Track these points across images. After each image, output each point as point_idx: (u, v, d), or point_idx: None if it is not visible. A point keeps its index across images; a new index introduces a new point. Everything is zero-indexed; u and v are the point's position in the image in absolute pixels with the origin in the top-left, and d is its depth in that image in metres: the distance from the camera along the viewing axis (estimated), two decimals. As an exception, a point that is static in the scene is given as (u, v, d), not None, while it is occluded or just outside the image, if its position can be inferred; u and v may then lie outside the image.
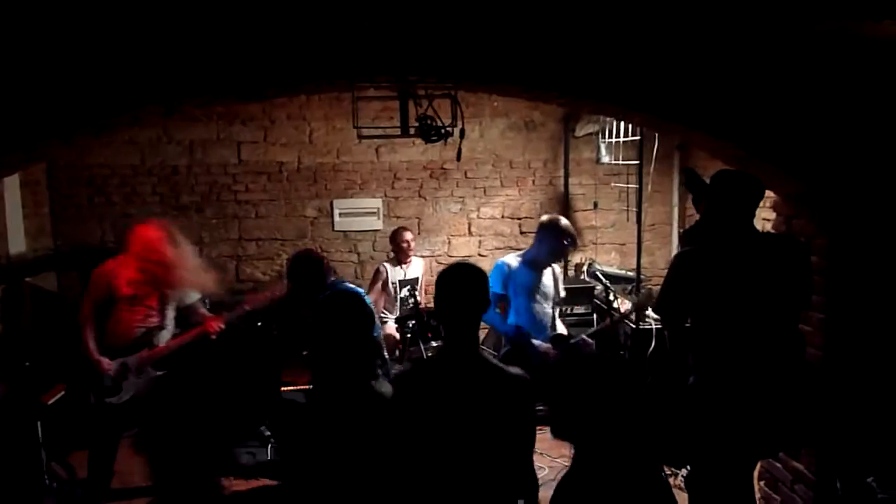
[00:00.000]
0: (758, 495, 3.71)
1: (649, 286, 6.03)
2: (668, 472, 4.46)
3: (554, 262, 4.37)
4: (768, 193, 3.30)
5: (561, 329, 4.51)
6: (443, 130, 3.11)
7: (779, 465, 3.55)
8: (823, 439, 3.13)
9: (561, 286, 4.50)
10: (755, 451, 2.99)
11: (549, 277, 4.34)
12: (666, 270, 3.11)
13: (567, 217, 6.51)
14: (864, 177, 3.10)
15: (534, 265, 4.26)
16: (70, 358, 3.89)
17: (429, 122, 3.06)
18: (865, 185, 3.10)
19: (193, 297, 4.18)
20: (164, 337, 4.01)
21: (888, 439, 3.02)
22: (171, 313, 4.05)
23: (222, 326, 4.13)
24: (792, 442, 3.08)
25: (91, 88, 2.67)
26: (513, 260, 4.31)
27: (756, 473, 3.70)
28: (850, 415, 3.14)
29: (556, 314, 4.52)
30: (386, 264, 5.70)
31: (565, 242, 4.18)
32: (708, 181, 3.04)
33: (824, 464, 3.22)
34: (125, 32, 2.62)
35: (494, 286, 4.24)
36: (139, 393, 3.92)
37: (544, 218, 4.35)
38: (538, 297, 4.28)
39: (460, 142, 3.34)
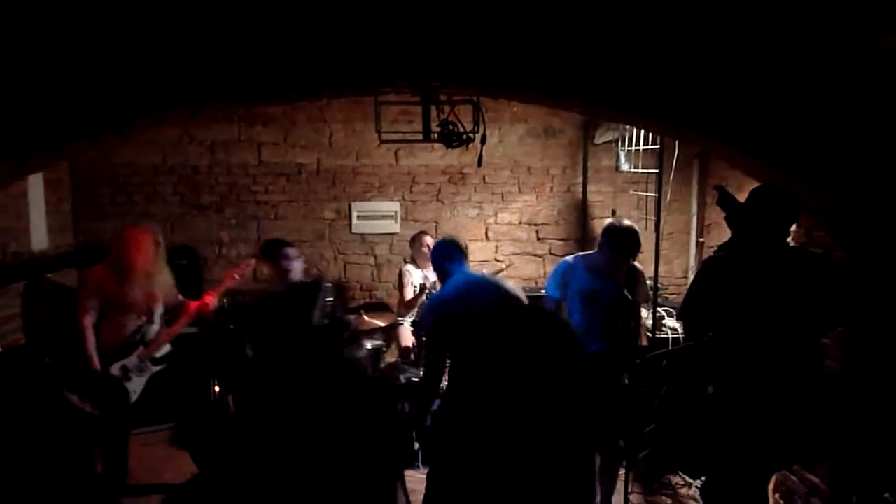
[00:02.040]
0: (772, 508, 3.69)
1: (666, 294, 6.02)
2: (683, 483, 4.45)
3: (614, 271, 3.88)
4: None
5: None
6: (464, 136, 3.13)
7: (794, 477, 3.52)
8: (840, 452, 3.11)
9: (641, 296, 4.07)
10: (771, 464, 2.97)
11: (613, 285, 3.87)
12: (683, 279, 3.10)
13: (584, 224, 6.58)
14: (885, 190, 3.07)
15: (593, 270, 3.93)
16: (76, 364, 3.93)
17: (451, 127, 3.08)
18: (886, 199, 3.08)
19: (177, 296, 4.27)
20: (154, 331, 4.08)
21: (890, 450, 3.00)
22: (159, 310, 4.12)
23: (215, 303, 4.22)
24: (808, 455, 3.06)
25: (117, 90, 2.71)
26: (574, 260, 4.04)
27: (771, 486, 3.68)
28: (867, 428, 3.11)
29: (631, 327, 4.07)
30: (409, 266, 5.71)
31: (615, 254, 3.81)
32: (739, 198, 2.99)
33: (840, 477, 3.19)
34: (151, 34, 2.66)
35: (548, 289, 4.06)
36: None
37: (607, 221, 4.01)
38: (592, 304, 3.90)
39: (481, 147, 3.36)
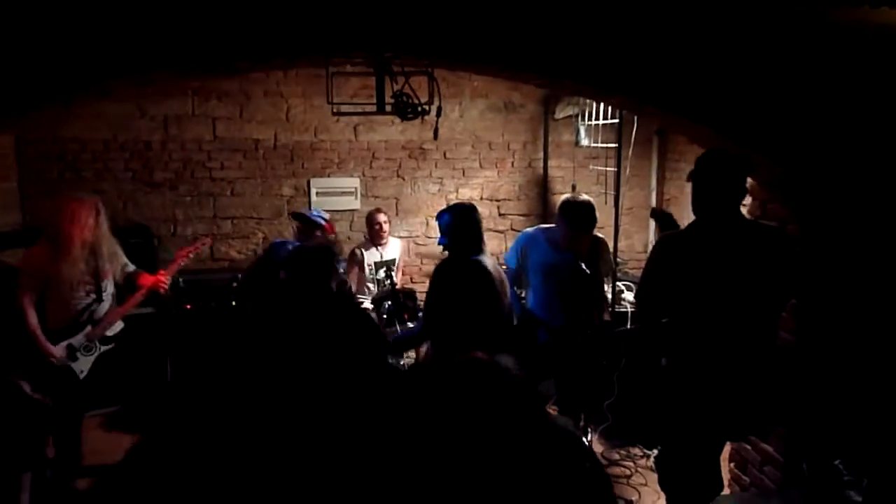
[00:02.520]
0: (727, 476, 3.76)
1: (626, 269, 6.07)
2: (642, 454, 4.52)
3: (571, 245, 3.87)
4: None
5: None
6: (419, 108, 3.07)
7: (748, 446, 3.59)
8: (793, 422, 3.17)
9: (603, 268, 4.07)
10: (723, 434, 3.01)
11: (571, 258, 3.85)
12: (643, 253, 3.10)
13: (545, 199, 6.59)
14: (838, 163, 3.11)
15: (553, 243, 3.95)
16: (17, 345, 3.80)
17: (405, 99, 3.02)
18: (839, 172, 3.12)
19: (129, 267, 4.13)
20: (104, 309, 3.95)
21: (855, 423, 3.06)
22: (109, 287, 3.98)
23: (168, 279, 4.13)
24: (760, 427, 3.11)
25: (56, 58, 2.59)
26: (535, 232, 4.04)
27: (727, 455, 3.75)
28: (818, 398, 3.18)
29: (594, 300, 4.07)
30: (360, 248, 5.65)
31: (570, 228, 3.82)
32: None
33: (793, 446, 3.26)
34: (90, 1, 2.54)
35: (507, 259, 4.13)
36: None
37: (563, 197, 4.01)
38: (554, 277, 3.93)
39: (437, 120, 3.30)
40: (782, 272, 2.86)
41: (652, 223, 6.51)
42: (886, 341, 3.11)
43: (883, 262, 3.14)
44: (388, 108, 3.07)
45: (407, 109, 3.01)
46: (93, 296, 3.89)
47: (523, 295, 4.29)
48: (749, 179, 3.45)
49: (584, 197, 3.94)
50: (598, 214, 3.91)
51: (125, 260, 4.12)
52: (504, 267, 4.15)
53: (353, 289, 5.51)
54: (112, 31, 2.59)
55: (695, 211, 2.89)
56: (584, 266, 3.84)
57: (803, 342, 3.26)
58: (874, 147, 3.09)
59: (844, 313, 3.19)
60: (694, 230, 2.87)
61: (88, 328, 3.87)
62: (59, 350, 3.76)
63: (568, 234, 3.87)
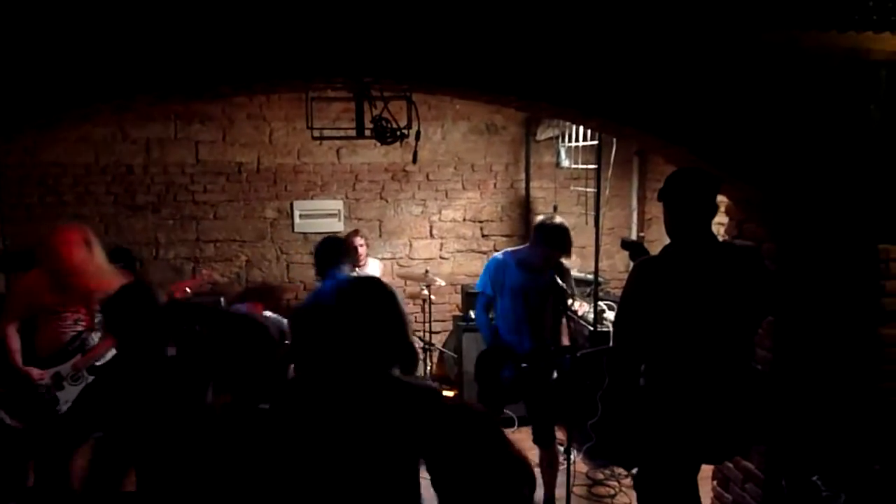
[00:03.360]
0: (710, 494, 3.77)
1: (608, 289, 6.11)
2: (626, 474, 4.52)
3: (546, 266, 3.93)
4: (721, 198, 3.34)
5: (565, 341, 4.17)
6: (398, 132, 3.10)
7: (730, 464, 3.61)
8: (771, 439, 3.19)
9: (569, 293, 4.13)
10: (700, 456, 3.01)
11: (544, 281, 3.93)
12: (624, 273, 3.11)
13: (527, 220, 6.63)
14: (812, 184, 3.17)
15: (524, 265, 3.97)
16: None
17: (384, 123, 3.05)
18: (813, 192, 3.18)
19: None
20: (95, 338, 3.88)
21: (833, 439, 3.09)
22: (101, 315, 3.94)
23: None
24: (737, 450, 3.12)
25: (37, 82, 2.60)
26: (504, 256, 4.07)
27: (711, 473, 3.77)
28: (796, 415, 3.21)
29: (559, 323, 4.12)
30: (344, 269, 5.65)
31: (548, 251, 3.87)
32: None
33: (773, 463, 3.28)
34: (70, 26, 2.56)
35: (481, 286, 4.09)
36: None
37: (539, 217, 4.08)
38: (523, 300, 3.96)
39: (416, 144, 3.33)
40: (758, 291, 2.89)
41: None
42: (859, 357, 3.16)
43: (855, 278, 3.20)
44: (368, 132, 3.10)
45: (386, 133, 3.04)
46: (84, 324, 3.85)
47: (491, 317, 4.30)
48: (725, 199, 3.53)
49: (559, 219, 3.99)
50: (578, 235, 3.96)
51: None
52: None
53: None
54: (94, 55, 2.60)
55: (668, 230, 2.91)
56: (562, 283, 3.88)
57: (780, 359, 3.29)
58: (845, 166, 3.16)
59: (819, 331, 3.24)
60: (669, 254, 2.89)
61: (78, 356, 3.83)
62: (38, 373, 3.71)
63: (546, 254, 3.90)
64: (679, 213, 2.84)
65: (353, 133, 3.13)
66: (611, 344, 4.71)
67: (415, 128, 3.14)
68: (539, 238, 3.91)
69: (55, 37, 2.56)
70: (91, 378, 3.84)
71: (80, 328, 3.83)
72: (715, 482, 3.78)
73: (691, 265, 2.80)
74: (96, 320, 3.87)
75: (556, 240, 3.86)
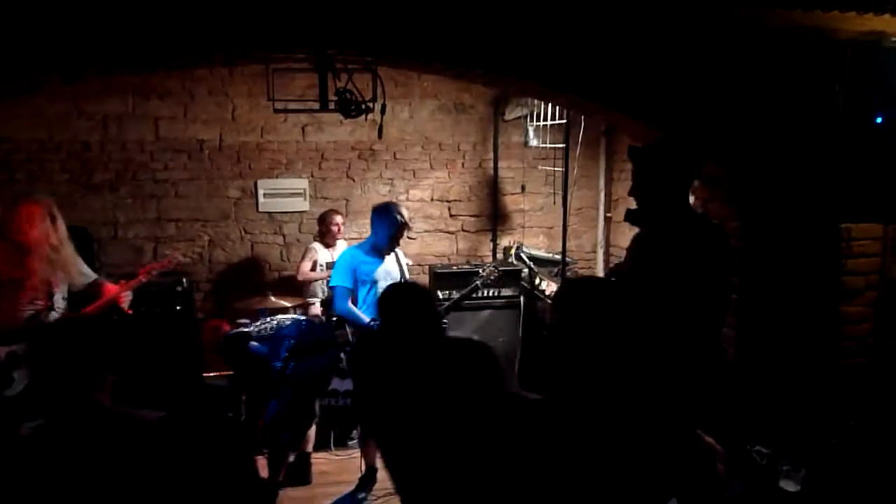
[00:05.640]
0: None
1: (576, 269, 6.12)
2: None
3: (395, 246, 4.27)
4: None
5: None
6: (363, 105, 3.02)
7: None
8: (733, 413, 3.22)
9: (406, 270, 4.50)
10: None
11: (394, 263, 4.31)
12: (591, 253, 3.08)
13: (495, 200, 6.61)
14: (777, 162, 3.18)
15: (377, 252, 4.23)
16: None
17: (348, 96, 2.97)
18: (778, 171, 3.19)
19: (89, 276, 3.97)
20: (54, 317, 3.75)
21: (794, 414, 3.13)
22: (59, 295, 3.81)
23: (128, 296, 3.97)
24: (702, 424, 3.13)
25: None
26: (355, 250, 4.30)
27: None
28: (758, 391, 3.24)
29: None
30: (317, 244, 5.60)
31: (399, 220, 4.12)
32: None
33: (732, 438, 3.32)
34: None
35: (344, 280, 4.20)
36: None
37: (376, 204, 4.32)
38: (384, 284, 4.16)
39: (381, 118, 3.26)
40: (726, 270, 2.87)
41: (601, 224, 6.59)
42: (821, 334, 3.20)
43: (818, 257, 3.23)
44: (332, 105, 3.02)
45: (350, 107, 2.97)
46: (41, 302, 3.73)
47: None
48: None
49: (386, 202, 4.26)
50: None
51: (84, 268, 3.96)
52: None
53: (306, 287, 5.46)
54: (37, 21, 2.48)
55: (644, 200, 2.77)
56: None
57: (743, 336, 3.32)
58: (809, 146, 3.17)
59: (782, 307, 3.27)
60: (660, 228, 2.74)
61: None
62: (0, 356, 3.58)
63: (396, 234, 4.16)
64: (658, 185, 2.71)
65: (315, 105, 3.05)
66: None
67: (380, 101, 3.06)
68: (385, 218, 4.13)
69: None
70: None
71: (37, 308, 3.71)
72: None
73: (681, 239, 2.67)
74: (54, 300, 3.76)
75: (401, 216, 4.11)
